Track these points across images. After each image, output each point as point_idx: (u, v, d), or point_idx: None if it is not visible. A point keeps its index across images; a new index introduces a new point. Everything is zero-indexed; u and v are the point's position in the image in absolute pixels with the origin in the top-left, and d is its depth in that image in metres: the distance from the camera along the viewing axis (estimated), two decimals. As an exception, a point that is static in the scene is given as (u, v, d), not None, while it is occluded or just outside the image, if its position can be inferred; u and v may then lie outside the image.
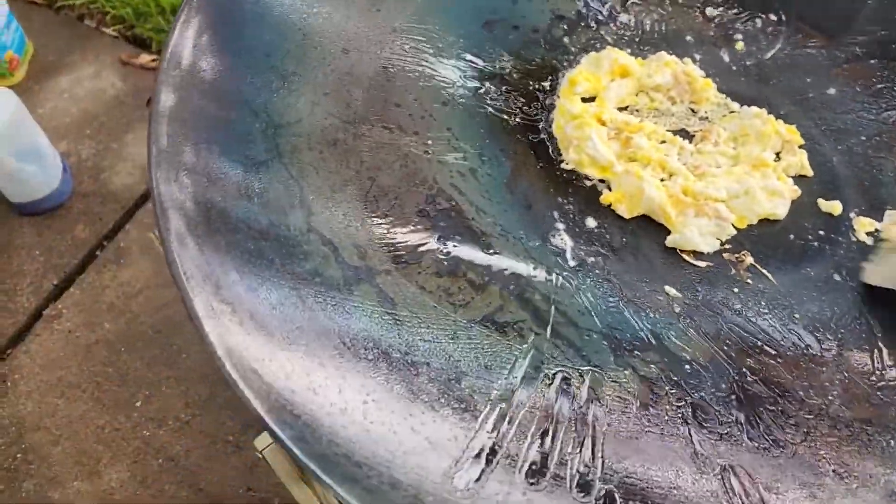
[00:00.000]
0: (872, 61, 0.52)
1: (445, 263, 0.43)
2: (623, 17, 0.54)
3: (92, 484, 1.09)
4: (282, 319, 0.36)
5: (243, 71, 0.45)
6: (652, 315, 0.43)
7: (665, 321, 0.43)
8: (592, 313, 0.43)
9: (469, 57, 0.51)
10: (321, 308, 0.38)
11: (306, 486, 0.86)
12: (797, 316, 0.43)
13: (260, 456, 0.96)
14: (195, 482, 1.09)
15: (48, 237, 1.29)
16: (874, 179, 0.49)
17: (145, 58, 1.47)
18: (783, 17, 0.54)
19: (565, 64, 0.53)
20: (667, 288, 0.44)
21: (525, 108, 0.50)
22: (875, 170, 0.49)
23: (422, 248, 0.43)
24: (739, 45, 0.53)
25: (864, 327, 0.43)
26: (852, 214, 0.48)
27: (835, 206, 0.48)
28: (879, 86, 0.52)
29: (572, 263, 0.45)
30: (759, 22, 0.54)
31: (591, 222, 0.46)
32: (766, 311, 0.43)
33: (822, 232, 0.47)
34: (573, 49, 0.53)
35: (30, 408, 1.14)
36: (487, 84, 0.51)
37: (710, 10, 0.54)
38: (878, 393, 0.40)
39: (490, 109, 0.50)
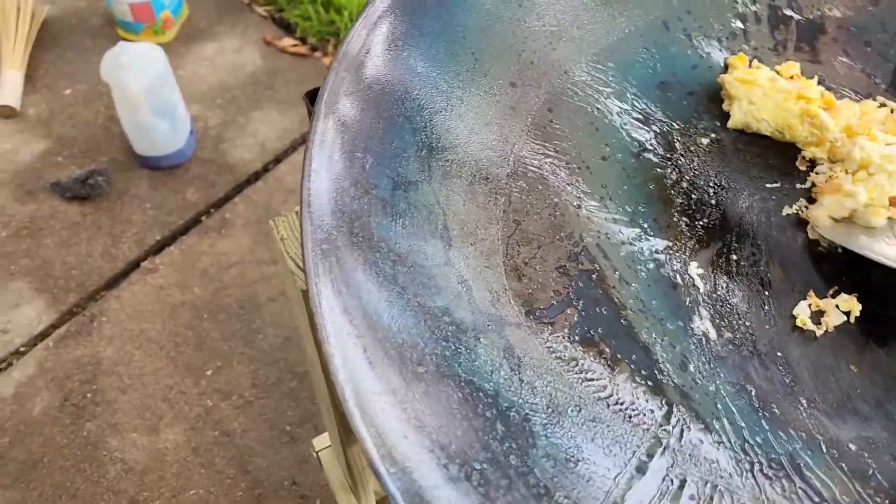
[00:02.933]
0: None
1: (578, 329, 0.40)
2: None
3: (149, 439, 1.11)
4: (406, 355, 0.34)
5: (411, 85, 0.44)
6: (794, 437, 0.38)
7: (807, 448, 0.38)
8: (724, 420, 0.39)
9: (636, 114, 0.49)
10: (448, 350, 0.36)
11: (354, 497, 0.84)
12: (961, 478, 0.38)
13: (315, 455, 0.95)
14: (244, 463, 1.09)
15: (161, 193, 1.33)
16: None
17: (287, 41, 1.50)
18: None
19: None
20: (812, 409, 0.40)
21: (685, 178, 0.47)
22: None
23: (556, 308, 0.40)
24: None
25: None
26: None
27: None
28: None
29: (711, 357, 0.41)
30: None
31: (739, 317, 0.43)
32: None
33: None
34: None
35: (109, 352, 1.18)
36: (650, 146, 0.48)
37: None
38: None
39: (649, 174, 0.47)
